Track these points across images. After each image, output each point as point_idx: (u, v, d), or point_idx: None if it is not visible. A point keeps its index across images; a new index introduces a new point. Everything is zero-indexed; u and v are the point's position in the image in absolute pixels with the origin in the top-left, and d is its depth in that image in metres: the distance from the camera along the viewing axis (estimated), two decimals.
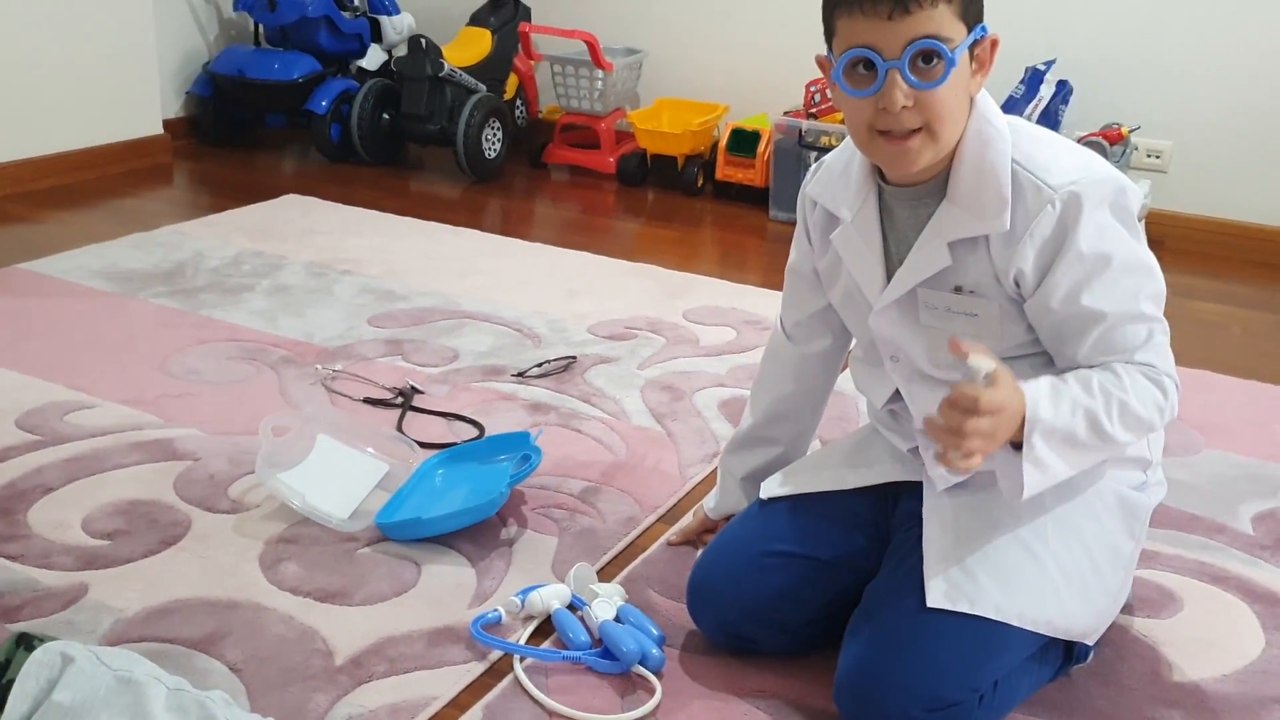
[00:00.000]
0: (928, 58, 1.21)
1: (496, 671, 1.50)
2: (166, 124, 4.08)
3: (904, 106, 1.22)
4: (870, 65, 1.22)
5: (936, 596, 1.31)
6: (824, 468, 1.56)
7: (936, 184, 1.32)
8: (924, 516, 1.40)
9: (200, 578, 1.66)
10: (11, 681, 1.11)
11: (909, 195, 1.35)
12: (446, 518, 1.76)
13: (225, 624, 1.55)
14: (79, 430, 2.07)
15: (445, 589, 1.66)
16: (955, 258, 1.31)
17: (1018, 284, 1.29)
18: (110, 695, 1.13)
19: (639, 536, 1.83)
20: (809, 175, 1.51)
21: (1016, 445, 1.23)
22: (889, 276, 1.37)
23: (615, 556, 1.77)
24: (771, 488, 1.56)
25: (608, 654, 1.49)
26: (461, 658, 1.51)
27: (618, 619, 1.55)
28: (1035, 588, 1.33)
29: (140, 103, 3.95)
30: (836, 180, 1.43)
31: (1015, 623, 1.31)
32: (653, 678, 1.47)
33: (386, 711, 1.40)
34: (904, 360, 1.40)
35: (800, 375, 1.66)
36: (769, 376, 1.70)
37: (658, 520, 1.87)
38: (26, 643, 1.17)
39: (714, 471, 2.01)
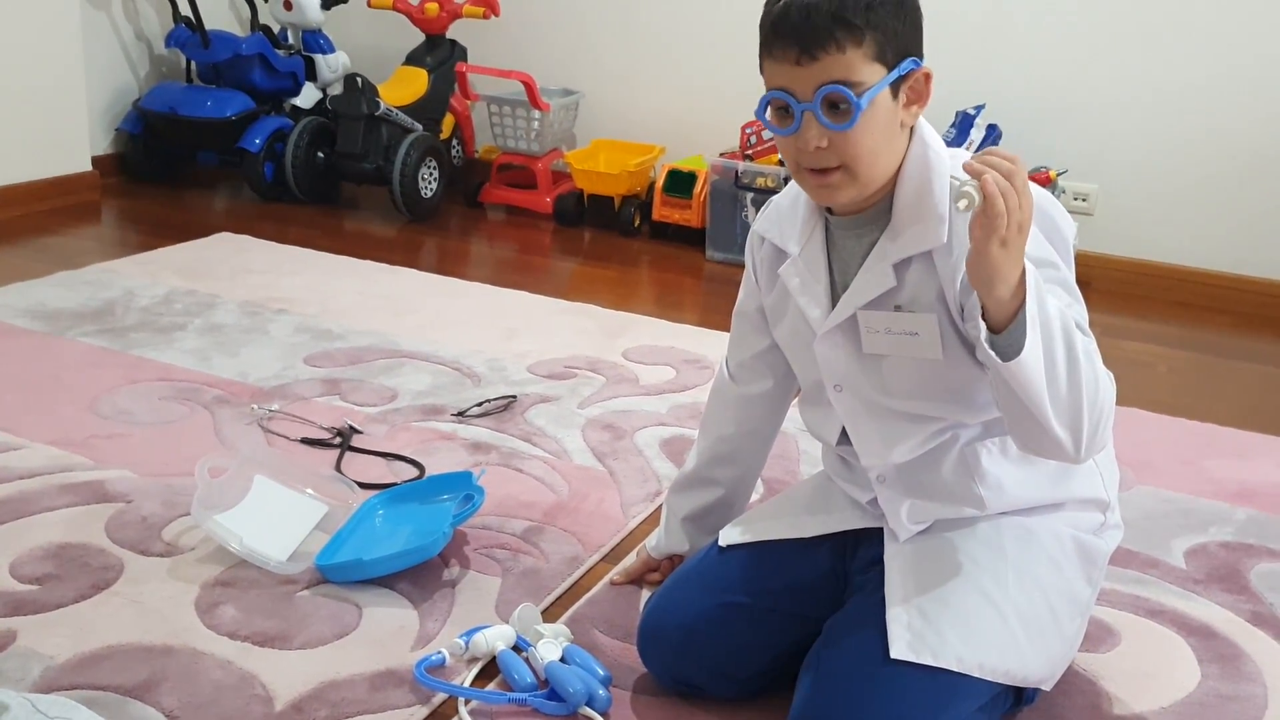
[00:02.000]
0: (835, 104, 1.25)
1: (441, 715, 1.47)
2: (95, 160, 4.00)
3: (818, 146, 1.26)
4: (788, 107, 1.26)
5: (900, 648, 1.31)
6: (782, 515, 1.56)
7: (878, 211, 1.34)
8: (885, 564, 1.41)
9: (134, 623, 1.61)
10: None
11: (853, 224, 1.37)
12: (388, 559, 1.73)
13: (160, 670, 1.51)
14: (5, 472, 2.01)
15: (387, 631, 1.63)
16: (899, 278, 1.33)
17: (961, 301, 1.31)
18: None
19: (583, 576, 1.81)
20: (759, 214, 1.53)
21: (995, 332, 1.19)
22: (834, 304, 1.39)
23: (559, 597, 1.75)
24: (730, 535, 1.55)
25: (554, 695, 1.48)
26: (405, 701, 1.48)
27: (563, 659, 1.53)
28: (996, 638, 1.34)
29: (68, 139, 3.88)
30: (785, 216, 1.45)
31: (976, 674, 1.31)
32: (600, 719, 1.46)
33: None
34: (849, 390, 1.42)
35: (742, 417, 1.67)
36: (712, 417, 1.71)
37: (601, 560, 1.87)
38: None
39: (656, 510, 2.01)
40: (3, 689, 1.15)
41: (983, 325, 1.19)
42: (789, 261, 1.44)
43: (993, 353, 1.17)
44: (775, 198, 1.51)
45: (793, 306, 1.46)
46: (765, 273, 1.51)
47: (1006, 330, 1.17)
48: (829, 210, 1.39)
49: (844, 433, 1.47)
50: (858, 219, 1.36)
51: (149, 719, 1.42)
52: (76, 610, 1.64)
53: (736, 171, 3.54)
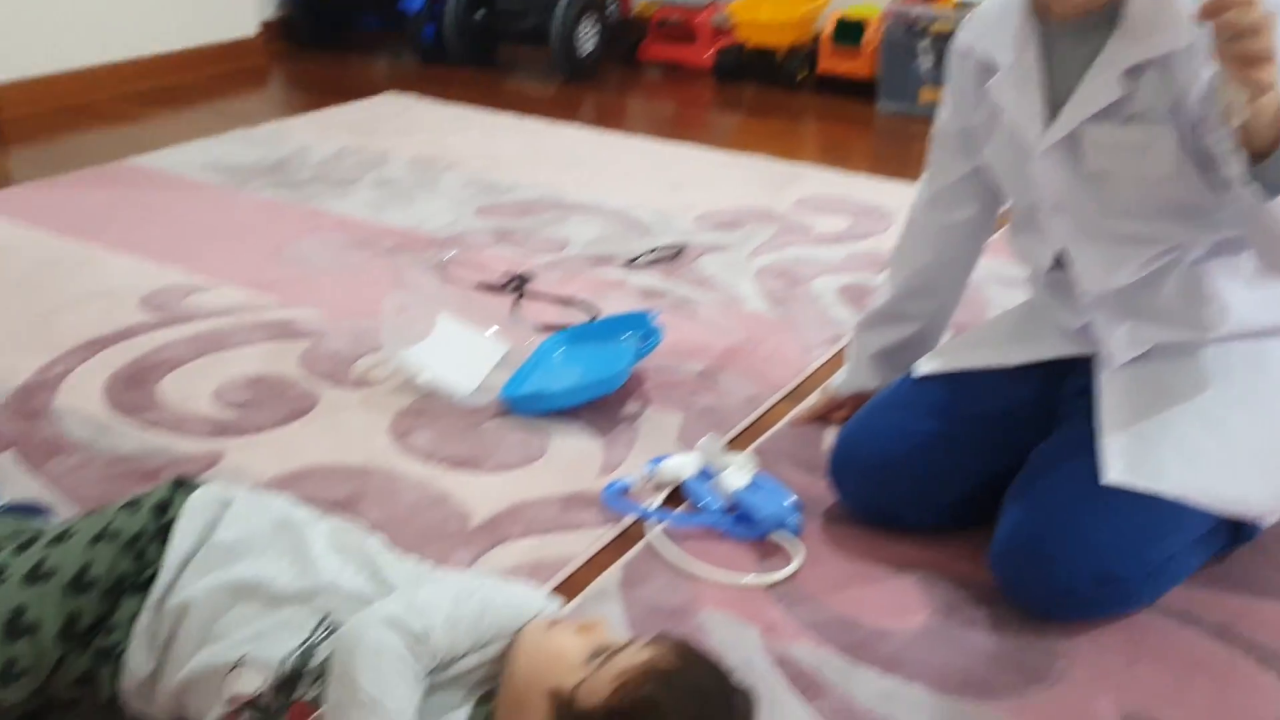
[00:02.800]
0: None
1: (630, 536, 1.49)
2: (262, 26, 4.07)
3: None
4: None
5: (1116, 472, 1.25)
6: (984, 344, 1.50)
7: (1105, 13, 1.25)
8: (1098, 390, 1.34)
9: (332, 446, 1.67)
10: (173, 521, 1.12)
11: (1076, 28, 1.27)
12: (572, 391, 1.75)
13: (361, 488, 1.56)
14: (201, 311, 2.09)
15: (573, 459, 1.65)
16: (1129, 87, 1.24)
17: (1204, 112, 1.20)
18: (271, 535, 1.13)
19: (763, 415, 1.80)
20: (962, 25, 1.45)
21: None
22: (1052, 118, 1.31)
23: (741, 433, 1.75)
24: (928, 365, 1.50)
25: (744, 519, 1.48)
26: (595, 521, 1.51)
27: (752, 486, 1.53)
28: (1218, 466, 1.27)
29: (236, 4, 3.94)
30: (993, 25, 1.37)
31: (1195, 502, 1.26)
32: (792, 543, 1.46)
33: (526, 569, 1.40)
34: (1070, 212, 1.34)
35: (941, 246, 1.61)
36: (909, 248, 1.65)
37: (781, 399, 1.85)
38: (185, 485, 1.17)
39: (837, 354, 1.98)
40: (227, 484, 1.20)
41: (1242, 154, 1.09)
42: (999, 74, 1.36)
43: (1258, 184, 1.09)
44: (979, 8, 1.43)
45: (1004, 124, 1.38)
46: (970, 89, 1.43)
47: (1269, 159, 1.07)
48: (1043, 17, 1.30)
49: (1058, 258, 1.40)
50: (1082, 22, 1.27)
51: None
52: (278, 434, 1.70)
53: (912, 17, 3.38)
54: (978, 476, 1.44)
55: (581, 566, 1.42)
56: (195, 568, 1.10)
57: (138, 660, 1.06)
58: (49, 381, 1.82)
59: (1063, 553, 1.25)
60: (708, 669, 0.98)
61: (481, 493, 1.56)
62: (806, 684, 1.24)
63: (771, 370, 1.93)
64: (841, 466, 1.49)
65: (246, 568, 1.09)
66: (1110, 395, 1.32)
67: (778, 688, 1.23)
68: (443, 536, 1.46)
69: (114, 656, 1.07)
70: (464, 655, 1.02)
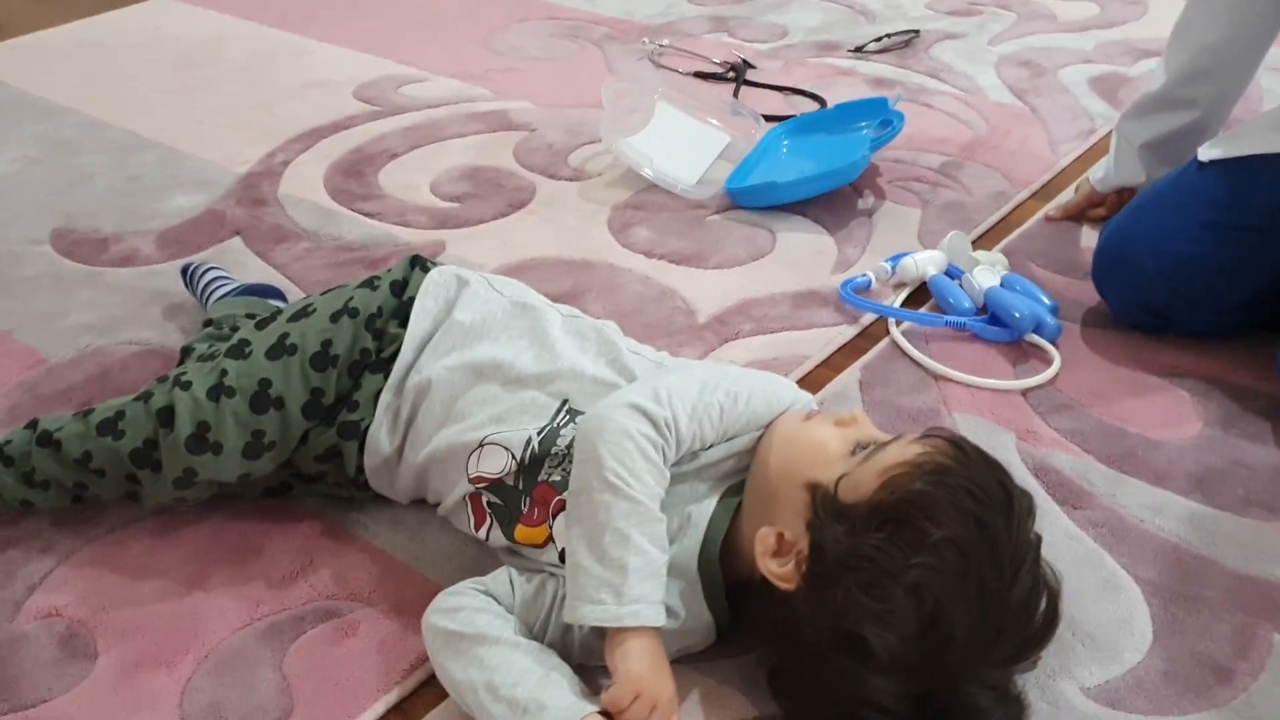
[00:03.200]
0: None
1: (870, 335, 1.39)
2: None
3: None
4: None
5: None
6: (1277, 128, 1.32)
7: None
8: None
9: (553, 238, 1.61)
10: (412, 299, 1.09)
11: None
12: (804, 182, 1.64)
13: (583, 281, 1.51)
14: (414, 102, 2.04)
15: (804, 255, 1.55)
16: None
17: None
18: (508, 317, 1.09)
19: (1011, 211, 1.65)
20: None
21: None
22: None
23: (987, 231, 1.61)
24: (1212, 150, 1.33)
25: (996, 320, 1.36)
26: (831, 320, 1.41)
27: (1003, 287, 1.40)
28: None
29: None
30: None
31: None
32: (1049, 347, 1.34)
33: (758, 367, 1.32)
34: None
35: (1235, 19, 1.40)
36: (1194, 23, 1.44)
37: (1030, 196, 1.69)
38: (421, 264, 1.13)
39: (1091, 148, 1.80)
40: (463, 268, 1.15)
41: None
42: None
43: None
44: None
45: None
46: None
47: None
48: None
49: None
50: None
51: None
52: (498, 226, 1.65)
53: None
54: (1265, 277, 1.27)
55: (818, 366, 1.34)
56: (435, 347, 1.06)
57: (380, 438, 1.05)
58: (273, 169, 1.81)
59: None
60: (986, 466, 0.89)
61: (708, 289, 1.48)
62: (1069, 493, 1.14)
63: (1018, 165, 1.76)
64: (1108, 269, 1.35)
65: (486, 348, 1.05)
66: None
67: (1037, 496, 1.13)
68: (670, 332, 1.39)
69: (358, 433, 1.05)
70: (710, 446, 0.96)
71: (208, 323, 1.32)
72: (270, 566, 1.06)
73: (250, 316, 1.31)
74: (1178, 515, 1.11)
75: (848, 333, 1.39)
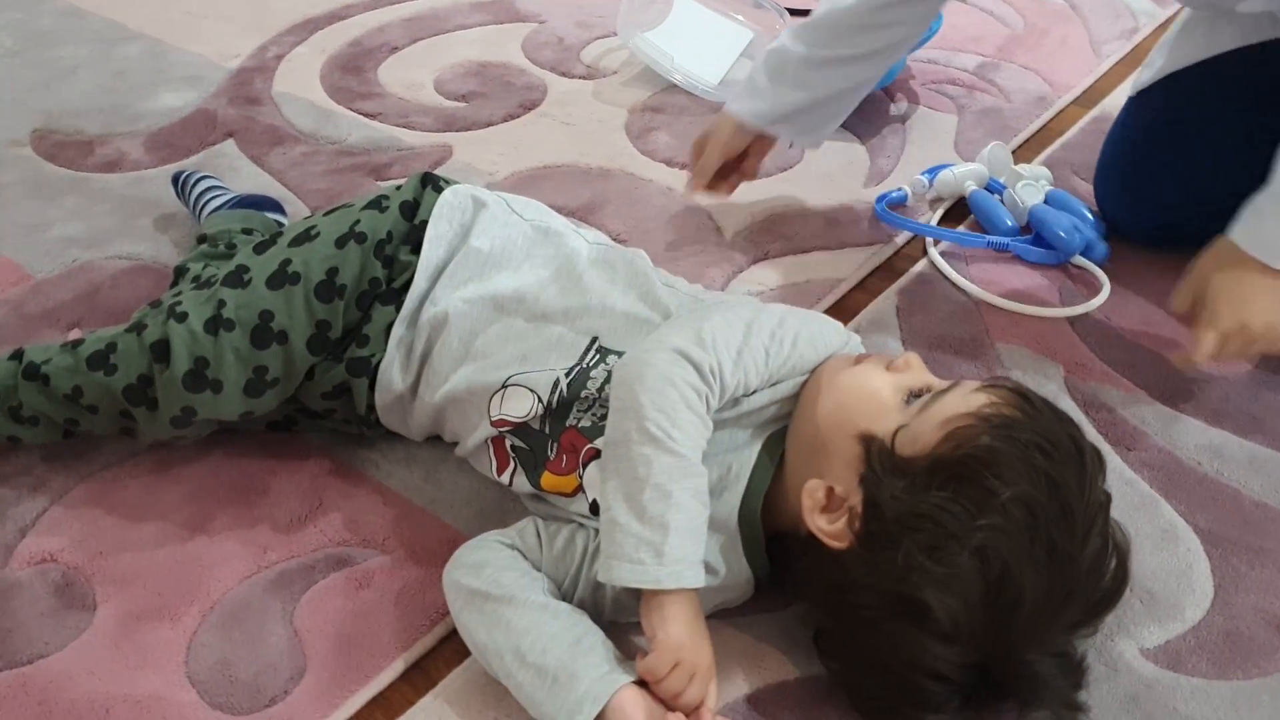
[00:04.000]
0: None
1: (906, 255, 1.32)
2: None
3: None
4: None
5: None
6: None
7: None
8: None
9: (568, 144, 1.52)
10: (425, 223, 1.00)
11: None
12: None
13: (602, 192, 1.42)
14: None
15: (835, 166, 1.46)
16: None
17: None
18: (530, 244, 1.01)
19: (1053, 119, 1.56)
20: None
21: None
22: None
23: (1028, 139, 1.52)
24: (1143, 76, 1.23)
25: (1040, 241, 1.28)
26: (865, 238, 1.33)
27: (1047, 204, 1.32)
28: None
29: None
30: None
31: None
32: (1097, 271, 1.26)
33: (790, 290, 1.25)
34: None
35: None
36: None
37: (1073, 102, 1.59)
38: (433, 183, 1.05)
39: (1133, 52, 1.70)
40: (479, 187, 1.06)
41: None
42: None
43: None
44: None
45: None
46: None
47: None
48: None
49: None
50: None
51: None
52: (508, 129, 1.56)
53: None
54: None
55: (852, 290, 1.27)
56: (451, 276, 0.98)
57: (392, 375, 0.97)
58: (266, 65, 1.70)
59: None
60: (1054, 419, 0.82)
61: (734, 202, 1.39)
62: (1121, 433, 1.08)
63: (1058, 67, 1.66)
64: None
65: (507, 279, 0.97)
66: None
67: (1087, 434, 1.07)
68: (695, 250, 1.31)
69: (369, 370, 0.98)
70: (754, 392, 0.89)
71: (202, 238, 1.24)
72: (276, 509, 1.00)
73: (247, 232, 1.23)
74: (1237, 458, 1.05)
75: (883, 253, 1.31)
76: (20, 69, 1.70)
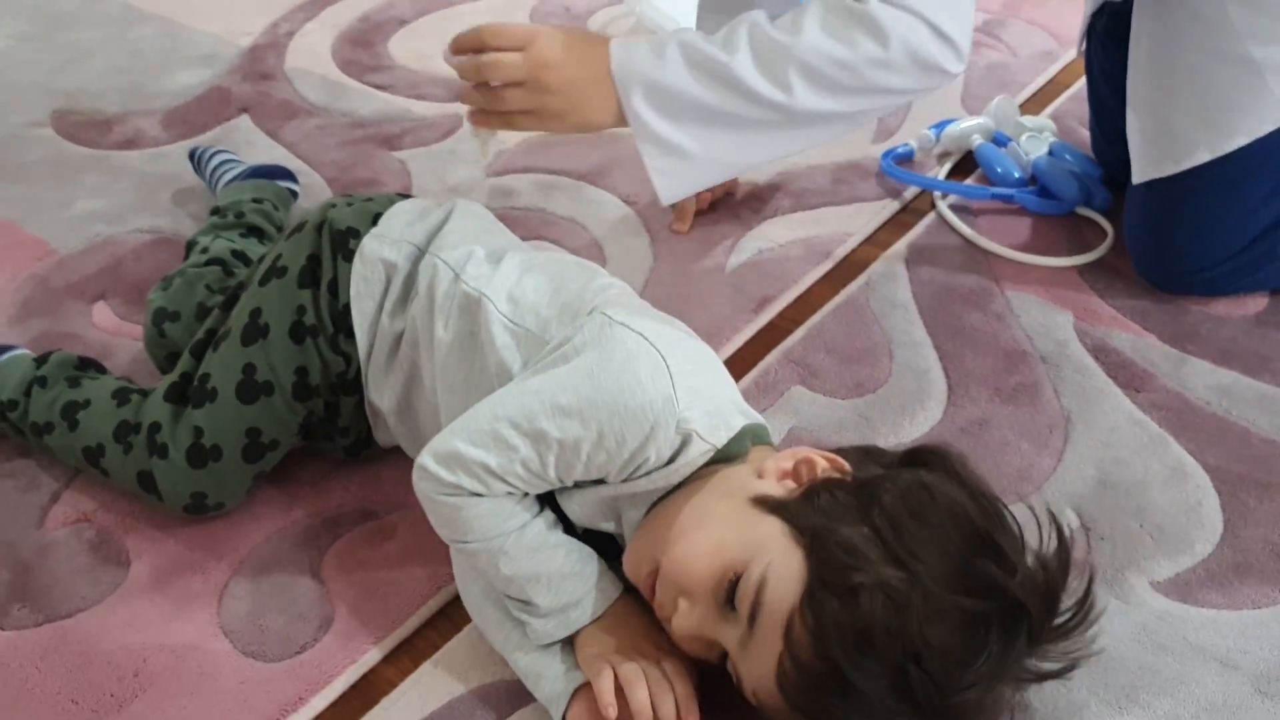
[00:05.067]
0: None
1: (914, 210, 1.33)
2: None
3: None
4: None
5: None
6: None
7: None
8: None
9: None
10: (348, 306, 0.94)
11: None
12: None
13: (610, 156, 1.43)
14: None
15: None
16: None
17: None
18: (447, 362, 0.91)
19: (1060, 72, 1.57)
20: None
21: None
22: None
23: (1035, 94, 1.53)
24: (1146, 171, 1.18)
25: (1045, 192, 1.29)
26: (873, 194, 1.35)
27: (1051, 155, 1.33)
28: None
29: None
30: None
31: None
32: (1101, 220, 1.27)
33: (799, 246, 1.27)
34: None
35: None
36: None
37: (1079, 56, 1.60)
38: (342, 247, 0.94)
39: None
40: (385, 238, 0.95)
41: None
42: None
43: None
44: None
45: None
46: None
47: None
48: None
49: None
50: None
51: (605, 202, 1.36)
52: None
53: None
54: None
55: (862, 244, 1.28)
56: (374, 378, 0.96)
57: (385, 436, 0.99)
58: (277, 41, 1.73)
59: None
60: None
61: None
62: (1131, 375, 1.09)
63: (1064, 21, 1.67)
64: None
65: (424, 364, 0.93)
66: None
67: (1097, 378, 1.09)
68: (705, 210, 1.33)
69: (363, 446, 1.01)
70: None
71: (215, 210, 1.26)
72: (301, 468, 1.02)
73: (257, 201, 1.25)
74: (1245, 397, 1.06)
75: (891, 207, 1.33)
76: (38, 52, 1.73)
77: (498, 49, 0.99)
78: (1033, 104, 1.50)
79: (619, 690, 0.78)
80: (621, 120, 1.01)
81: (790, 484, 0.78)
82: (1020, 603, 0.70)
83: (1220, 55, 1.06)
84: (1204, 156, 1.09)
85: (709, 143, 1.02)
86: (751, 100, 0.98)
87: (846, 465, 0.79)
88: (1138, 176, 1.13)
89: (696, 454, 0.79)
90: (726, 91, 0.98)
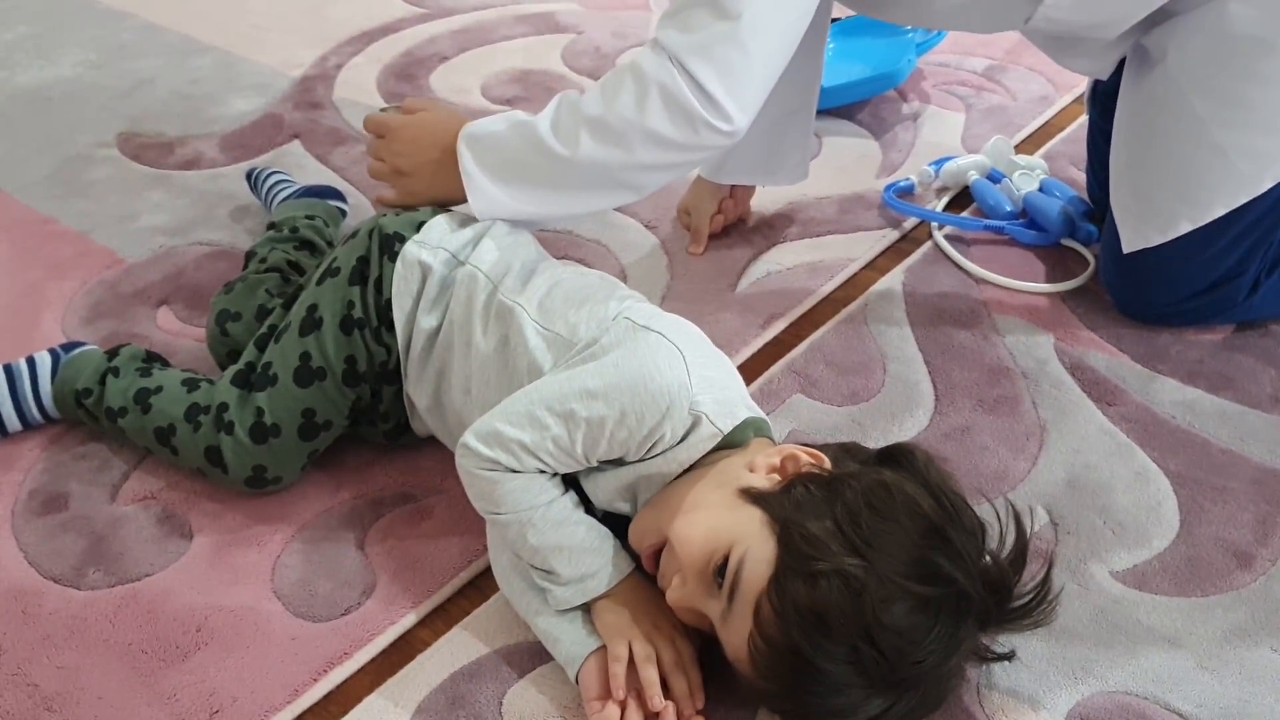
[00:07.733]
0: None
1: (913, 239, 1.44)
2: None
3: None
4: None
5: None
6: None
7: None
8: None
9: None
10: (390, 301, 1.06)
11: None
12: (849, 87, 1.66)
13: None
14: (463, 4, 2.07)
15: (849, 159, 1.59)
16: None
17: None
18: (484, 369, 1.03)
19: (1055, 115, 1.67)
20: None
21: None
22: None
23: (1030, 134, 1.63)
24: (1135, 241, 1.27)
25: (1034, 225, 1.40)
26: (875, 224, 1.46)
27: (1041, 191, 1.44)
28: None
29: None
30: None
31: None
32: (1084, 251, 1.37)
33: (805, 270, 1.38)
34: None
35: None
36: None
37: (1074, 101, 1.71)
38: (388, 249, 1.07)
39: None
40: (426, 242, 1.06)
41: None
42: None
43: None
44: None
45: None
46: None
47: None
48: None
49: None
50: None
51: (628, 226, 1.47)
52: None
53: None
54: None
55: (862, 269, 1.39)
56: (414, 377, 1.07)
57: (420, 425, 1.11)
58: (326, 73, 1.86)
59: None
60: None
61: (757, 192, 1.52)
62: (1103, 390, 1.19)
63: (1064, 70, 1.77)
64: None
65: (458, 368, 1.05)
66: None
67: (1072, 392, 1.19)
68: (719, 235, 1.44)
69: (401, 434, 1.13)
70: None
71: (271, 225, 1.38)
72: (346, 454, 1.13)
73: (310, 218, 1.36)
74: (1208, 412, 1.16)
75: (891, 236, 1.43)
76: (104, 79, 1.87)
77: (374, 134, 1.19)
78: (1028, 144, 1.61)
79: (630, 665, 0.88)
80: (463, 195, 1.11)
81: (776, 477, 0.89)
82: (967, 591, 0.80)
83: (1190, 140, 1.16)
84: (1186, 227, 1.19)
85: (522, 192, 1.11)
86: (559, 163, 1.08)
87: (827, 461, 0.90)
88: (1127, 246, 1.23)
89: (705, 435, 0.90)
90: (539, 154, 1.08)
